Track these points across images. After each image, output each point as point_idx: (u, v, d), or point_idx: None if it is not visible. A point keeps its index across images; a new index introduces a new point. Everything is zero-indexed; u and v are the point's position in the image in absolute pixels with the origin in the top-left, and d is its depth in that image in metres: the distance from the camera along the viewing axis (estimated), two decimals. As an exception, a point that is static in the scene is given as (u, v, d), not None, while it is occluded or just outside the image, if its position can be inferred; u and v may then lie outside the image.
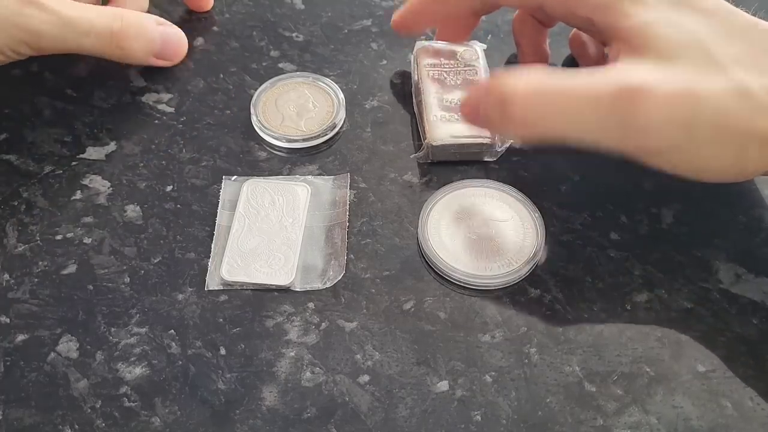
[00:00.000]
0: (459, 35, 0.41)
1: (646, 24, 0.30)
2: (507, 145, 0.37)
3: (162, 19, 0.40)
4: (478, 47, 0.40)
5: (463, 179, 0.36)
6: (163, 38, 0.40)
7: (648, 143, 0.29)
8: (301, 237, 0.34)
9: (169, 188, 0.37)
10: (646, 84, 0.28)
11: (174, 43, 0.41)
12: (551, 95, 0.30)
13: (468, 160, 0.37)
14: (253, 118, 0.39)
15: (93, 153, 0.38)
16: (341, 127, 0.39)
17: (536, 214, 0.35)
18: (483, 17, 0.40)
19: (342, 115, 0.39)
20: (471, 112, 0.33)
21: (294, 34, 0.44)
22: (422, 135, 0.37)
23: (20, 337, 0.31)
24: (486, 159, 0.37)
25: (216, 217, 0.35)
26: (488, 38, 0.43)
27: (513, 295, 0.33)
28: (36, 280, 0.33)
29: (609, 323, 0.32)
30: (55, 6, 0.36)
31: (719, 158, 0.29)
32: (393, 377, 0.31)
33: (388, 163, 0.38)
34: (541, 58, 0.40)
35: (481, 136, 0.36)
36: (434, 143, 0.36)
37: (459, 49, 0.40)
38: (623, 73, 0.29)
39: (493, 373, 0.31)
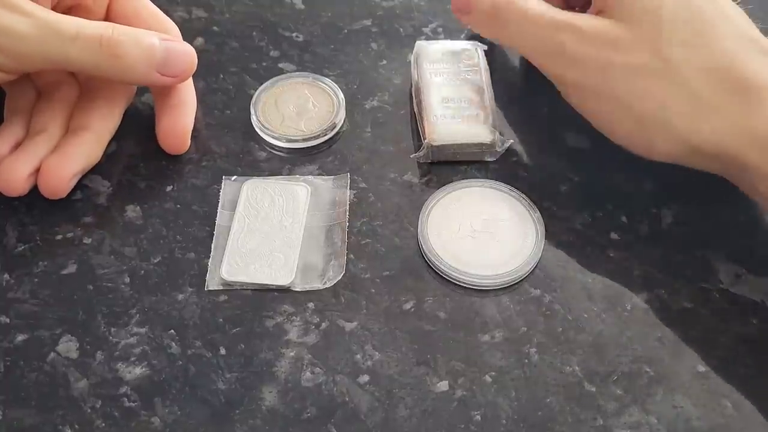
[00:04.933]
0: None
1: None
2: (507, 145, 0.37)
3: (165, 35, 0.35)
4: (479, 47, 0.40)
5: (463, 179, 0.36)
6: (166, 50, 0.34)
7: (572, 75, 0.34)
8: (301, 237, 0.34)
9: (169, 188, 0.37)
10: (583, 23, 0.34)
11: (180, 56, 0.35)
12: (524, 9, 0.35)
13: (468, 160, 0.37)
14: (253, 118, 0.39)
15: (93, 153, 0.38)
16: (341, 127, 0.39)
17: (536, 214, 0.35)
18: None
19: (342, 115, 0.39)
20: (462, 6, 0.37)
21: (294, 34, 0.44)
22: (422, 135, 0.37)
23: (20, 337, 0.31)
24: (486, 159, 0.37)
25: (216, 217, 0.35)
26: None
27: (513, 295, 0.33)
28: (36, 280, 0.33)
29: (609, 323, 0.32)
30: (35, 10, 0.32)
31: (621, 121, 0.34)
32: (393, 377, 0.31)
33: (388, 163, 0.38)
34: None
35: (481, 136, 0.36)
36: (434, 143, 0.36)
37: (459, 48, 0.40)
38: (576, 14, 0.34)
39: (493, 373, 0.31)
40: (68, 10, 0.35)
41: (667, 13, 0.32)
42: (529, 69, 0.41)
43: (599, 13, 0.34)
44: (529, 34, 0.35)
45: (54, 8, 0.34)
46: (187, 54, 0.36)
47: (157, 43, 0.34)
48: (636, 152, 0.34)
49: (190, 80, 0.38)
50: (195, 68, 0.36)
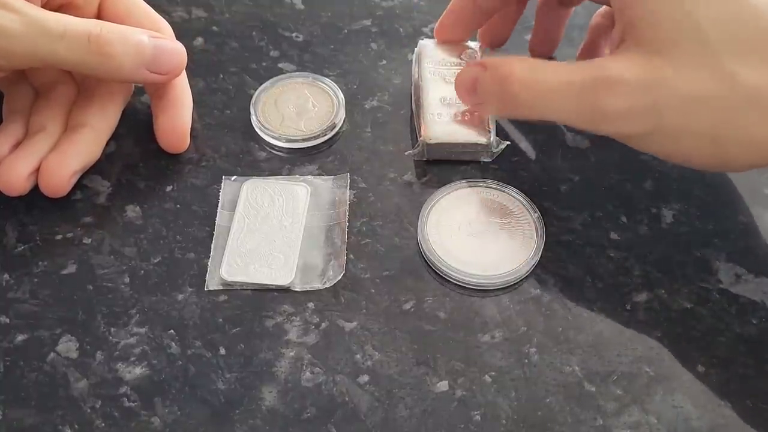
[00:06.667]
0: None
1: (651, 12, 0.30)
2: (502, 146, 0.37)
3: (155, 33, 0.35)
4: (481, 47, 0.40)
5: (463, 179, 0.36)
6: (155, 47, 0.34)
7: (618, 130, 0.31)
8: (301, 237, 0.34)
9: (169, 188, 0.37)
10: (618, 72, 0.30)
11: (169, 54, 0.35)
12: (541, 79, 0.32)
13: (467, 160, 0.37)
14: (253, 118, 0.39)
15: (93, 153, 0.38)
16: (341, 127, 0.39)
17: (536, 214, 0.35)
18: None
19: (342, 115, 0.39)
20: (467, 87, 0.35)
21: (294, 34, 0.44)
22: (418, 133, 0.37)
23: (20, 337, 0.31)
24: (482, 159, 0.37)
25: (216, 217, 0.35)
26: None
27: (513, 295, 0.33)
28: (36, 280, 0.33)
29: (609, 323, 0.32)
30: (24, 7, 0.32)
31: (697, 149, 0.30)
32: (393, 377, 0.31)
33: (387, 163, 0.38)
34: (551, 44, 0.41)
35: (476, 136, 0.36)
36: (429, 141, 0.36)
37: (461, 49, 0.40)
38: (600, 64, 0.31)
39: (493, 373, 0.31)
40: (59, 9, 0.35)
41: (707, 23, 0.29)
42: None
43: (622, 42, 0.31)
44: (557, 108, 0.32)
45: (44, 6, 0.34)
46: (176, 51, 0.36)
47: (146, 40, 0.34)
48: (711, 170, 0.33)
49: (185, 77, 0.38)
50: (185, 65, 0.36)
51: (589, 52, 0.40)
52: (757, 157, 0.30)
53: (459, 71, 0.36)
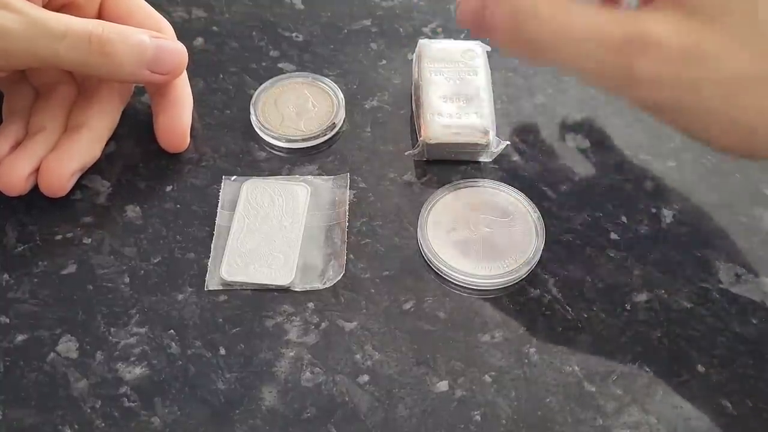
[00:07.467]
0: None
1: None
2: (502, 146, 0.37)
3: (156, 33, 0.35)
4: (481, 48, 0.40)
5: (462, 179, 0.36)
6: (156, 47, 0.34)
7: (648, 96, 0.28)
8: (301, 237, 0.34)
9: (169, 188, 0.37)
10: (657, 35, 0.27)
11: (170, 54, 0.35)
12: (568, 21, 0.28)
13: (467, 160, 0.37)
14: (253, 118, 0.39)
15: (93, 153, 0.38)
16: (341, 127, 0.39)
17: (536, 214, 0.35)
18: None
19: (342, 115, 0.39)
20: (472, 16, 0.30)
21: (294, 34, 0.44)
22: (418, 132, 0.37)
23: (20, 337, 0.31)
24: (482, 159, 0.37)
25: (216, 217, 0.35)
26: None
27: (513, 295, 0.33)
28: (36, 280, 0.33)
29: (609, 323, 0.32)
30: (25, 7, 0.31)
31: (727, 132, 0.28)
32: (393, 377, 0.31)
33: (387, 163, 0.38)
34: None
35: (476, 136, 0.36)
36: (429, 141, 0.36)
37: (462, 48, 0.40)
38: (642, 19, 0.27)
39: (493, 373, 0.31)
40: (60, 9, 0.35)
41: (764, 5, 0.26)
42: (528, 69, 0.42)
43: None
44: (582, 60, 0.28)
45: (45, 6, 0.34)
46: (177, 51, 0.36)
47: (147, 40, 0.34)
48: (737, 156, 0.30)
49: (185, 77, 0.38)
50: (185, 65, 0.37)
51: None
52: None
53: None
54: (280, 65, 0.42)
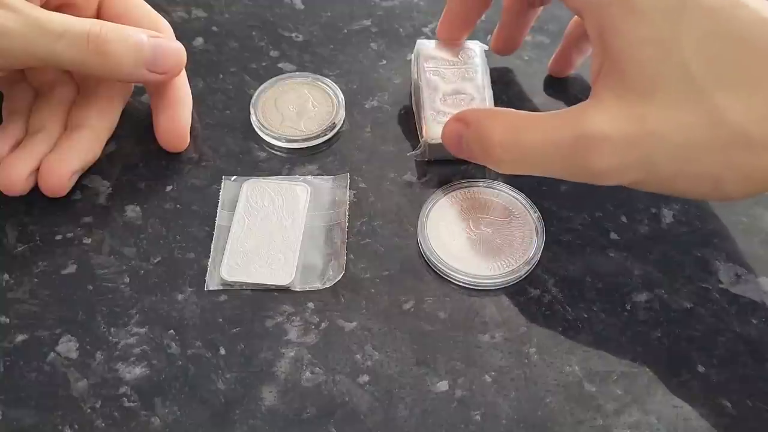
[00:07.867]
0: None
1: (631, 47, 0.28)
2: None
3: (154, 32, 0.35)
4: (479, 47, 0.40)
5: (462, 179, 0.36)
6: (154, 46, 0.34)
7: (616, 181, 0.30)
8: (301, 237, 0.34)
9: (169, 188, 0.37)
10: (600, 130, 0.29)
11: (168, 53, 0.35)
12: (522, 141, 0.31)
13: (467, 160, 0.37)
14: (253, 118, 0.39)
15: (93, 153, 0.38)
16: (341, 127, 0.39)
17: (536, 214, 0.35)
18: (483, 18, 0.40)
19: (342, 115, 0.39)
20: (454, 143, 0.34)
21: (294, 34, 0.44)
22: (419, 133, 0.37)
23: (20, 337, 0.31)
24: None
25: (216, 217, 0.35)
26: (488, 38, 0.43)
27: (513, 295, 0.33)
28: (36, 280, 0.33)
29: (609, 323, 0.32)
30: (23, 6, 0.31)
31: (695, 187, 0.30)
32: (393, 377, 0.31)
33: (387, 163, 0.38)
34: (513, 44, 0.41)
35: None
36: (431, 141, 0.36)
37: (460, 48, 0.40)
38: (582, 118, 0.29)
39: (493, 373, 0.31)
40: (58, 9, 0.35)
41: (692, 59, 0.27)
42: (528, 69, 0.42)
43: (601, 76, 0.30)
44: (542, 168, 0.31)
45: (43, 6, 0.34)
46: (176, 50, 0.36)
47: (145, 39, 0.34)
48: (714, 201, 0.33)
49: (185, 77, 0.38)
50: (184, 65, 0.37)
51: (562, 59, 0.40)
52: (754, 189, 0.29)
53: (446, 122, 0.34)
54: (280, 65, 0.42)
